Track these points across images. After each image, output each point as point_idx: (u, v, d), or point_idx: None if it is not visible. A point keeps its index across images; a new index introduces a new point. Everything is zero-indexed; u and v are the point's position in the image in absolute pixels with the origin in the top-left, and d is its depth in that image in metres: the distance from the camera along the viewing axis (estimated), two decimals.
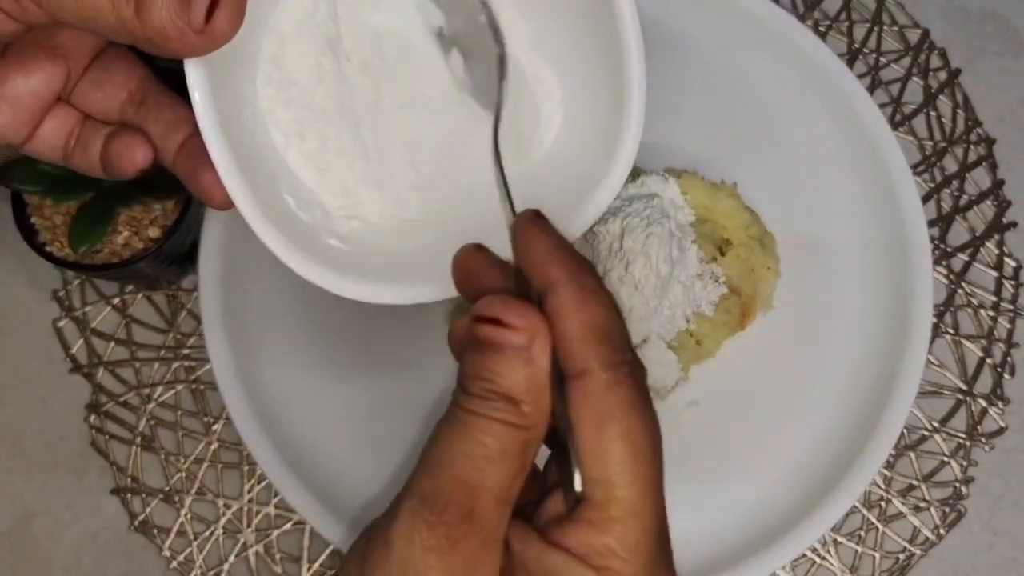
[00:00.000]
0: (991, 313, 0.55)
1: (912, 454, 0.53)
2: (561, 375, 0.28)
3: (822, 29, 0.59)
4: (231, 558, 0.51)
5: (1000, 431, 0.53)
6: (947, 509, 0.52)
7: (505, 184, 0.33)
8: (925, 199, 0.56)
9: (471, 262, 0.32)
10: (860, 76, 0.57)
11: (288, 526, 0.52)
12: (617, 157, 0.36)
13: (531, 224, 0.30)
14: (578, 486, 0.27)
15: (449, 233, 0.34)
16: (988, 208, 0.57)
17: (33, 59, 0.34)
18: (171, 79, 0.35)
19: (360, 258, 0.35)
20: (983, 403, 0.53)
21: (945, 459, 0.53)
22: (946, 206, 0.57)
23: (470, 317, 0.29)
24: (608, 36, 0.35)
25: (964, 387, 0.54)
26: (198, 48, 0.30)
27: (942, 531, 0.52)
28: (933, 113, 0.58)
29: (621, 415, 0.28)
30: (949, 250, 0.56)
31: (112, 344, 0.55)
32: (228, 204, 0.33)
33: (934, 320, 0.52)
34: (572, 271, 0.28)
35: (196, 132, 0.32)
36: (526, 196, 0.32)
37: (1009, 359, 0.54)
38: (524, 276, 0.30)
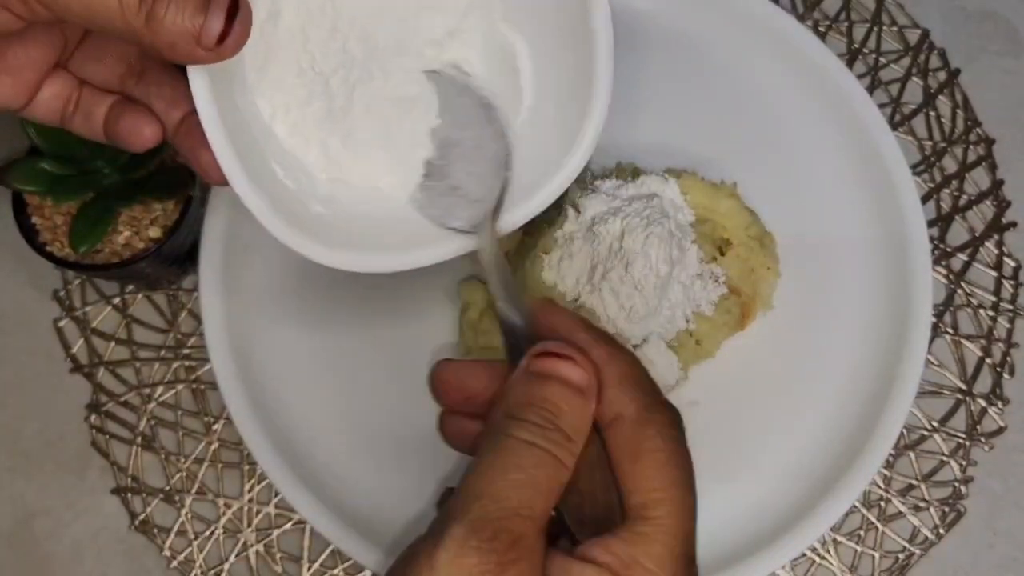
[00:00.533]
0: (990, 313, 0.55)
1: (912, 454, 0.53)
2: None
3: (822, 29, 0.59)
4: (231, 558, 0.52)
5: (999, 431, 0.53)
6: (947, 509, 0.52)
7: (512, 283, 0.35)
8: (925, 199, 0.56)
9: (446, 372, 0.34)
10: (860, 76, 0.57)
11: (288, 525, 0.52)
12: (588, 119, 0.37)
13: (550, 306, 0.34)
14: (615, 515, 0.29)
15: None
16: (987, 208, 0.57)
17: (30, 30, 0.34)
18: None
19: (347, 228, 0.37)
20: (982, 403, 0.53)
21: (945, 459, 0.53)
22: (945, 206, 0.57)
23: (528, 357, 0.31)
24: (578, 13, 0.36)
25: (964, 387, 0.54)
26: (203, 60, 0.31)
27: (941, 531, 0.52)
28: (933, 113, 0.58)
29: (653, 446, 0.30)
30: (949, 250, 0.56)
31: (112, 344, 0.55)
32: (224, 181, 0.34)
33: (934, 320, 0.52)
34: (597, 335, 0.32)
35: (195, 110, 0.33)
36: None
37: (1008, 359, 0.54)
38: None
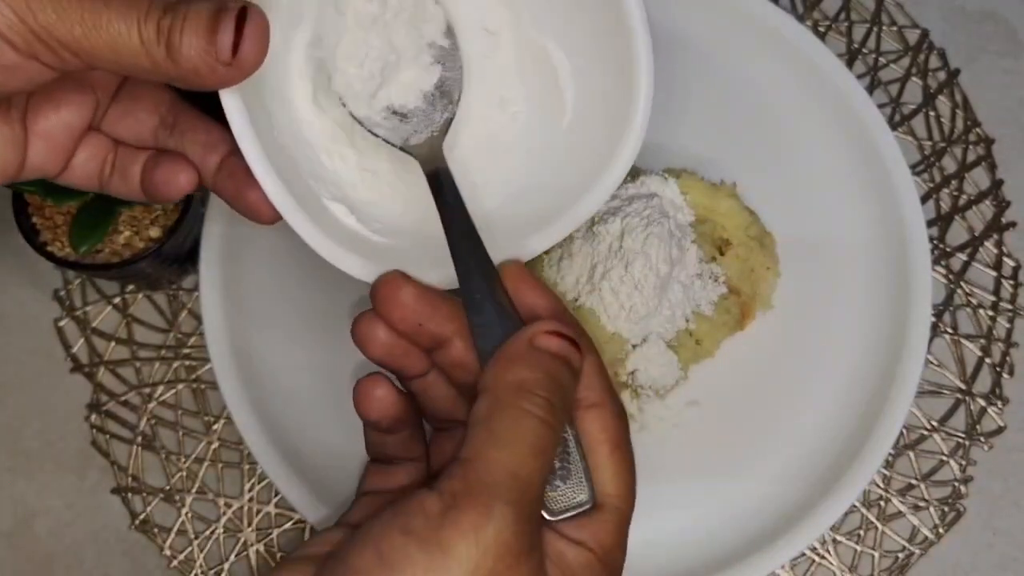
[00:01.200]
0: (990, 313, 0.55)
1: (911, 453, 0.53)
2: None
3: (821, 29, 0.59)
4: (232, 557, 0.52)
5: (999, 430, 0.53)
6: (946, 508, 0.52)
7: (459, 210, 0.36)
8: (924, 199, 0.56)
9: (401, 293, 0.35)
10: (859, 76, 0.58)
11: (289, 525, 0.52)
12: (631, 123, 0.38)
13: (521, 273, 0.35)
14: (589, 500, 0.32)
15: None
16: (987, 208, 0.57)
17: (61, 92, 0.34)
18: (197, 99, 0.35)
19: (400, 252, 0.37)
20: (982, 402, 0.53)
21: (944, 458, 0.53)
22: (945, 206, 0.57)
23: (537, 330, 0.32)
24: (611, 14, 0.38)
25: (963, 386, 0.54)
26: (229, 80, 0.30)
27: (941, 530, 0.52)
28: (932, 113, 0.58)
29: (624, 440, 0.33)
30: (948, 250, 0.56)
31: (113, 343, 0.55)
32: (276, 219, 0.34)
33: (933, 320, 0.52)
34: (578, 324, 0.35)
35: (232, 151, 0.33)
36: (562, 159, 0.38)
37: (1008, 358, 0.54)
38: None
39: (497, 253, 0.36)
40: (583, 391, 0.33)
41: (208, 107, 0.33)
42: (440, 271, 0.36)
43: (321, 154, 0.37)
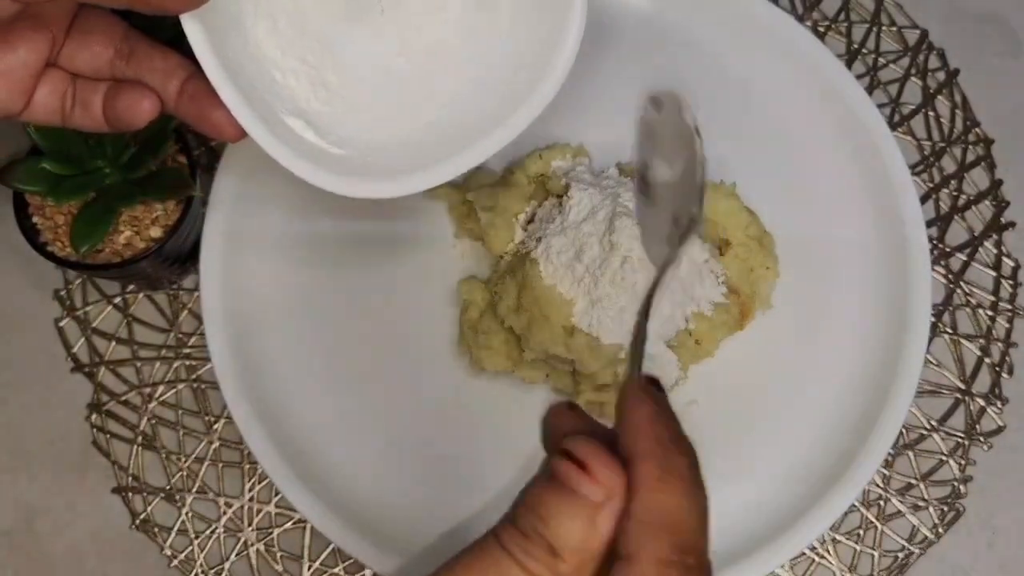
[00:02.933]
0: (989, 313, 0.55)
1: (911, 453, 0.53)
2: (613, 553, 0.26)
3: (821, 29, 0.60)
4: (232, 557, 0.52)
5: (998, 430, 0.53)
6: (946, 508, 0.52)
7: (641, 347, 0.30)
8: (924, 199, 0.56)
9: (564, 421, 0.29)
10: (859, 76, 0.58)
11: (289, 525, 0.52)
12: (567, 29, 0.38)
13: (641, 389, 0.28)
14: None
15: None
16: (986, 208, 0.57)
17: (17, 31, 0.34)
18: (147, 30, 0.37)
19: (358, 161, 0.38)
20: (981, 402, 0.54)
21: (944, 458, 0.53)
22: (944, 206, 0.57)
23: (556, 451, 0.26)
24: None
25: (962, 386, 0.54)
26: (193, 4, 0.31)
27: (941, 530, 0.52)
28: (932, 113, 0.58)
29: None
30: (948, 250, 0.56)
31: (113, 343, 0.55)
32: (241, 135, 0.35)
33: (932, 320, 0.52)
34: (662, 447, 0.26)
35: (192, 75, 0.34)
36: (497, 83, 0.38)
37: (1007, 358, 0.54)
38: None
39: (442, 163, 0.38)
40: (625, 538, 0.25)
41: (160, 36, 0.35)
42: (389, 183, 0.37)
43: (275, 71, 0.38)
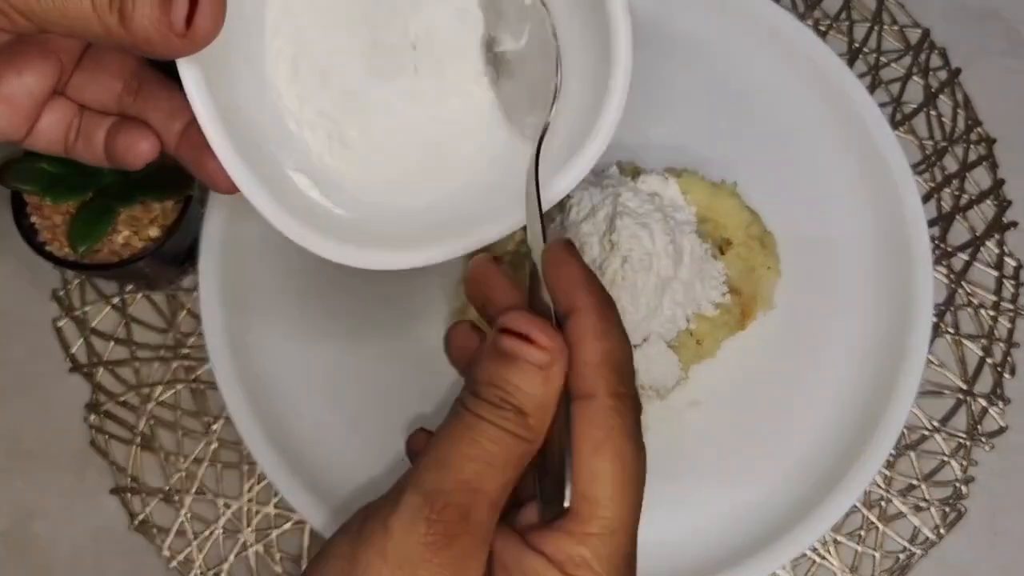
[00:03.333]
0: (991, 313, 0.55)
1: (912, 454, 0.53)
2: (565, 395, 0.31)
3: (822, 28, 0.59)
4: (231, 558, 0.51)
5: (1000, 431, 0.53)
6: (947, 509, 0.52)
7: (540, 211, 0.34)
8: (925, 199, 0.56)
9: (485, 274, 0.35)
10: (860, 75, 0.57)
11: (288, 525, 0.52)
12: (609, 99, 0.36)
13: (564, 251, 0.32)
14: (567, 500, 0.29)
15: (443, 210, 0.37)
16: (988, 208, 0.57)
17: (24, 57, 0.34)
18: (164, 65, 0.35)
19: (363, 226, 0.36)
20: (983, 403, 0.53)
21: (945, 459, 0.53)
22: (946, 206, 0.57)
23: (495, 329, 0.31)
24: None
25: (964, 387, 0.54)
26: (183, 50, 0.30)
27: (942, 531, 0.52)
28: (933, 112, 0.58)
29: (618, 440, 0.30)
30: (949, 250, 0.56)
31: (112, 344, 0.55)
32: (233, 190, 0.34)
33: (934, 320, 0.52)
34: (598, 301, 0.31)
35: (194, 118, 0.33)
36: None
37: (1009, 359, 0.54)
38: (537, 298, 0.32)
39: (460, 236, 0.36)
40: (574, 381, 0.30)
41: (174, 73, 0.33)
42: (400, 253, 0.35)
43: (290, 122, 0.36)
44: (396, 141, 0.38)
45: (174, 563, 0.51)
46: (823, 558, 0.51)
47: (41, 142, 0.36)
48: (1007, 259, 0.56)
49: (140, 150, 0.35)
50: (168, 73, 0.35)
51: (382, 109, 0.37)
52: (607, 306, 0.31)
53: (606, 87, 0.35)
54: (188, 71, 0.31)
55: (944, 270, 0.55)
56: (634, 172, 0.50)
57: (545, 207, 0.35)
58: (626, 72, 0.35)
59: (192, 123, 0.34)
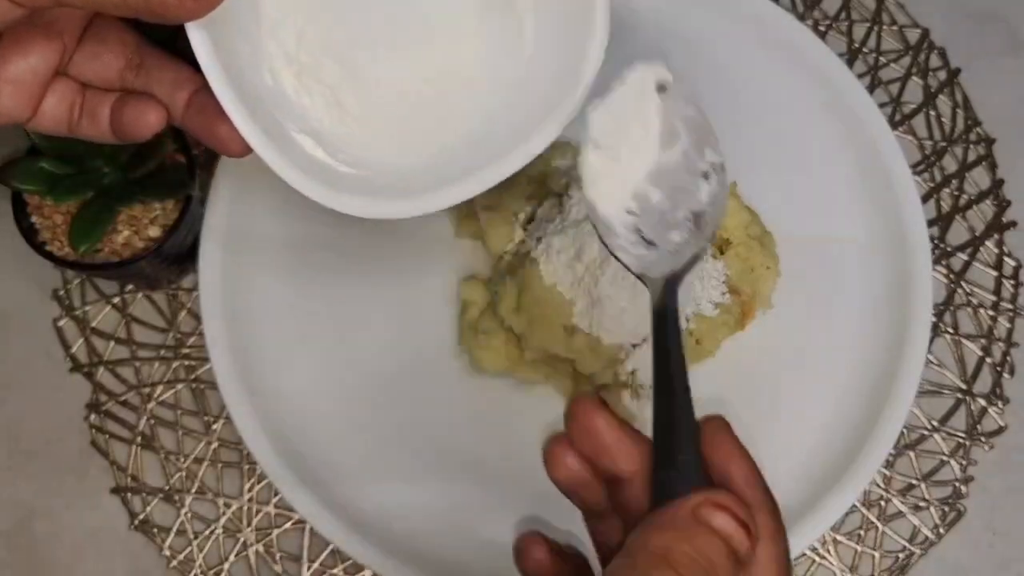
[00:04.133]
0: (991, 312, 0.55)
1: (912, 453, 0.53)
2: None
3: (822, 28, 0.59)
4: (231, 557, 0.51)
5: (1000, 430, 0.53)
6: (947, 508, 0.52)
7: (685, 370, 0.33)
8: (925, 198, 0.56)
9: (595, 425, 0.32)
10: (860, 76, 0.57)
11: (288, 525, 0.52)
12: (588, 55, 0.37)
13: (723, 430, 0.32)
14: None
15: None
16: (988, 207, 0.57)
17: (28, 38, 0.34)
18: (163, 41, 0.36)
19: (369, 181, 0.37)
20: (983, 402, 0.53)
21: (945, 458, 0.53)
22: (946, 205, 0.57)
23: (703, 500, 0.29)
24: None
25: (964, 386, 0.54)
26: (194, 12, 0.31)
27: (942, 530, 0.52)
28: (933, 113, 0.58)
29: None
30: (949, 249, 0.56)
31: (112, 343, 0.55)
32: (247, 151, 0.34)
33: (934, 319, 0.52)
34: (770, 499, 0.31)
35: (201, 88, 0.33)
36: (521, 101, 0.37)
37: (1008, 358, 0.54)
38: (668, 460, 0.31)
39: (460, 181, 0.36)
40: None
41: (174, 48, 0.34)
42: (406, 202, 0.36)
43: (288, 88, 0.37)
44: (393, 103, 0.38)
45: (174, 562, 0.51)
46: (822, 557, 0.51)
47: (46, 122, 0.36)
48: (1006, 259, 0.56)
49: (148, 121, 0.35)
50: (168, 48, 0.36)
51: (377, 74, 0.38)
52: (775, 504, 0.30)
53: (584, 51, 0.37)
54: (198, 35, 0.32)
55: (943, 270, 0.55)
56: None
57: (526, 161, 0.35)
58: (603, 34, 0.36)
59: (197, 92, 0.35)
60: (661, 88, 0.37)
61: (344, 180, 0.36)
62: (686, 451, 0.31)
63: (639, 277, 0.35)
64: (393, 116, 0.38)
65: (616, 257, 0.36)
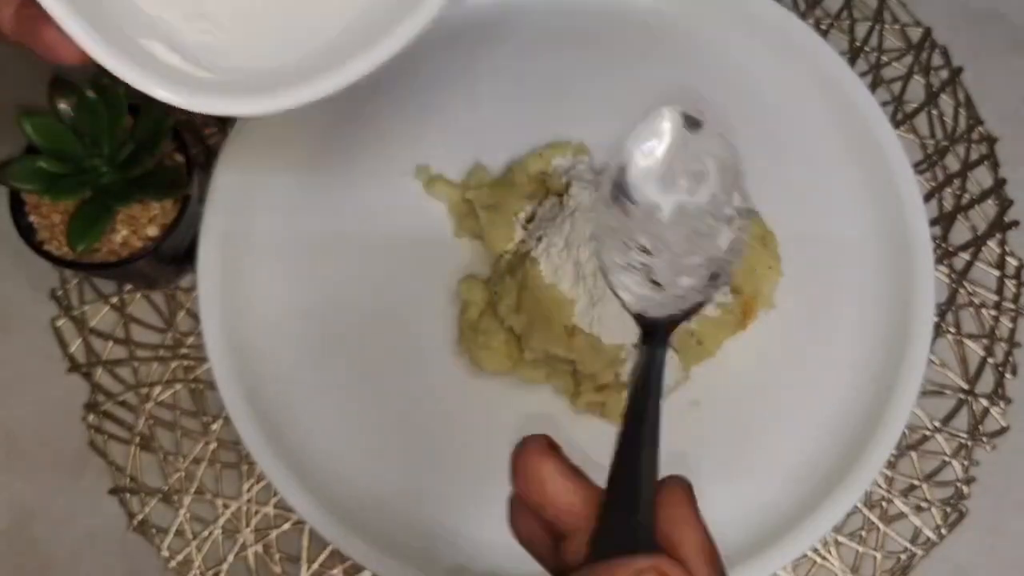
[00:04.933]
0: (993, 312, 0.55)
1: (914, 454, 0.53)
2: None
3: (823, 27, 0.59)
4: (230, 558, 0.51)
5: (1002, 431, 0.53)
6: (949, 509, 0.52)
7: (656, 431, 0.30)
8: (927, 198, 0.56)
9: (540, 475, 0.29)
10: (862, 74, 0.57)
11: (287, 526, 0.52)
12: None
13: (688, 494, 0.29)
14: None
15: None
16: (990, 207, 0.56)
17: None
18: None
19: (230, 83, 0.34)
20: (985, 403, 0.53)
21: (947, 459, 0.52)
22: (948, 205, 0.57)
23: (648, 563, 0.26)
24: None
25: (966, 387, 0.54)
26: None
27: (943, 531, 0.51)
28: (935, 112, 0.58)
29: None
30: (951, 249, 0.56)
31: (110, 343, 0.54)
32: (79, 56, 0.31)
33: (936, 319, 0.52)
34: (712, 546, 0.28)
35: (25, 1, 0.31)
36: None
37: (1011, 359, 0.54)
38: (621, 515, 0.28)
39: (325, 74, 0.33)
40: None
41: None
42: (261, 100, 0.33)
43: (142, 4, 0.34)
44: (259, 7, 0.36)
45: (173, 563, 0.51)
46: (824, 559, 0.51)
47: None
48: (1008, 259, 0.56)
49: None
50: None
51: None
52: (716, 551, 0.28)
53: None
54: None
55: (945, 270, 0.55)
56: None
57: (400, 45, 0.32)
58: None
59: (23, 5, 0.31)
60: (694, 125, 0.35)
61: (198, 82, 0.33)
62: (641, 510, 0.28)
63: (635, 316, 0.33)
64: (258, 19, 0.36)
65: (615, 294, 0.34)
